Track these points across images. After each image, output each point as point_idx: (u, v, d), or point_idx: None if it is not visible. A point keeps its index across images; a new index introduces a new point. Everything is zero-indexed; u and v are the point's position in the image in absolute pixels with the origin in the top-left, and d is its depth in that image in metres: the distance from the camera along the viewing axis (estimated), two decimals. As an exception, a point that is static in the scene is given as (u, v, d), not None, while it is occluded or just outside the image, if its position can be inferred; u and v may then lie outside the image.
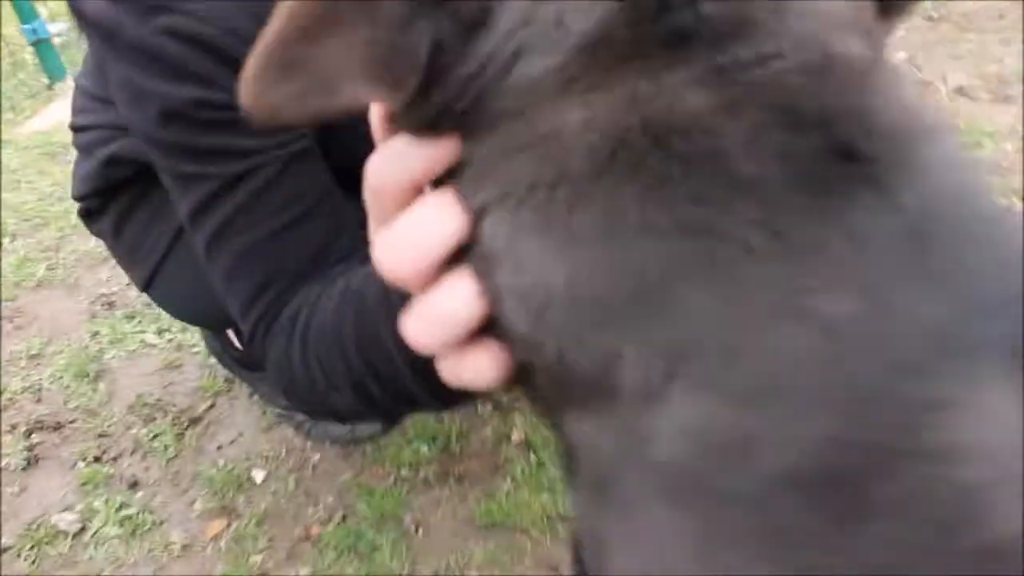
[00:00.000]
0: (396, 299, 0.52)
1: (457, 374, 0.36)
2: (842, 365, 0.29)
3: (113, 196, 0.99)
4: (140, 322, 1.56)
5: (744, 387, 0.30)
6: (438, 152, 0.35)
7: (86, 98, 0.99)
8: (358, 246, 0.66)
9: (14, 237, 1.90)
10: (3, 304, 1.68)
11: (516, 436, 1.20)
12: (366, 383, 0.59)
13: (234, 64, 0.61)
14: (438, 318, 0.34)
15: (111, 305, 1.62)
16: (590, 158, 0.32)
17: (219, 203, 0.65)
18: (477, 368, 0.36)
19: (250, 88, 0.35)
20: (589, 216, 0.33)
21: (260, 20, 0.64)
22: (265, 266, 0.65)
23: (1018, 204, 1.52)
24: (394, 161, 0.36)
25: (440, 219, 0.34)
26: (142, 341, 1.51)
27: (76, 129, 1.01)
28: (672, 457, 0.31)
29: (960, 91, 1.92)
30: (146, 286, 1.04)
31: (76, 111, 1.01)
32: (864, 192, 0.30)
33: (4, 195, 2.09)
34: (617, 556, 0.36)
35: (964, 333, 0.29)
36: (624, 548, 0.35)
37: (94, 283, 1.70)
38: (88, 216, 1.05)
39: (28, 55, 2.77)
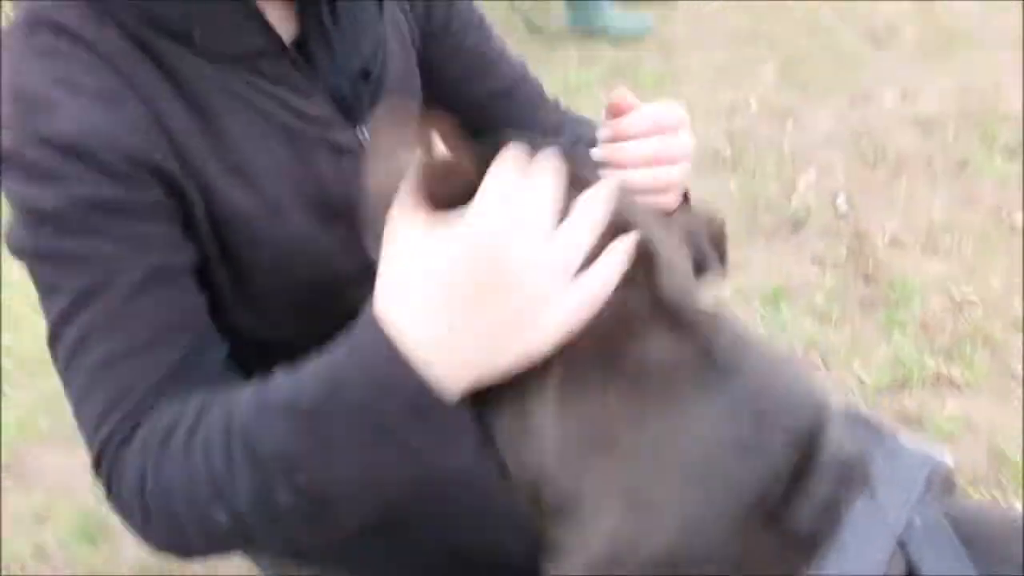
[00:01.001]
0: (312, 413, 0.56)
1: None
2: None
3: None
4: (140, 481, 1.67)
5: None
6: None
7: None
8: (224, 369, 0.70)
9: (15, 386, 2.01)
10: (5, 462, 1.78)
11: None
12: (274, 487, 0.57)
13: (95, 162, 0.66)
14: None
15: (112, 462, 1.73)
16: None
17: (77, 315, 0.65)
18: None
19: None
20: None
21: (116, 118, 0.68)
22: (117, 382, 0.65)
23: (941, 367, 1.68)
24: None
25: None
26: (142, 501, 1.62)
27: None
28: None
29: (893, 242, 2.10)
30: None
31: None
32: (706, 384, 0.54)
33: (5, 337, 2.20)
34: None
35: None
36: None
37: (95, 437, 1.80)
38: None
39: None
